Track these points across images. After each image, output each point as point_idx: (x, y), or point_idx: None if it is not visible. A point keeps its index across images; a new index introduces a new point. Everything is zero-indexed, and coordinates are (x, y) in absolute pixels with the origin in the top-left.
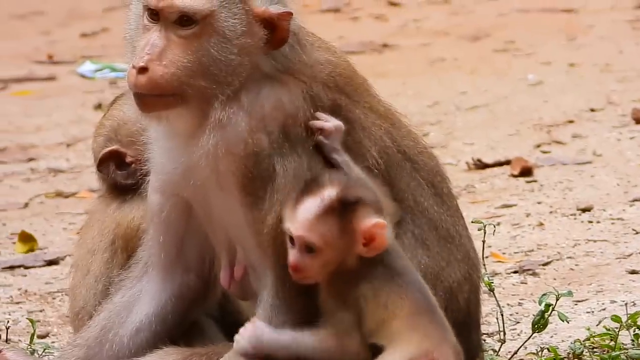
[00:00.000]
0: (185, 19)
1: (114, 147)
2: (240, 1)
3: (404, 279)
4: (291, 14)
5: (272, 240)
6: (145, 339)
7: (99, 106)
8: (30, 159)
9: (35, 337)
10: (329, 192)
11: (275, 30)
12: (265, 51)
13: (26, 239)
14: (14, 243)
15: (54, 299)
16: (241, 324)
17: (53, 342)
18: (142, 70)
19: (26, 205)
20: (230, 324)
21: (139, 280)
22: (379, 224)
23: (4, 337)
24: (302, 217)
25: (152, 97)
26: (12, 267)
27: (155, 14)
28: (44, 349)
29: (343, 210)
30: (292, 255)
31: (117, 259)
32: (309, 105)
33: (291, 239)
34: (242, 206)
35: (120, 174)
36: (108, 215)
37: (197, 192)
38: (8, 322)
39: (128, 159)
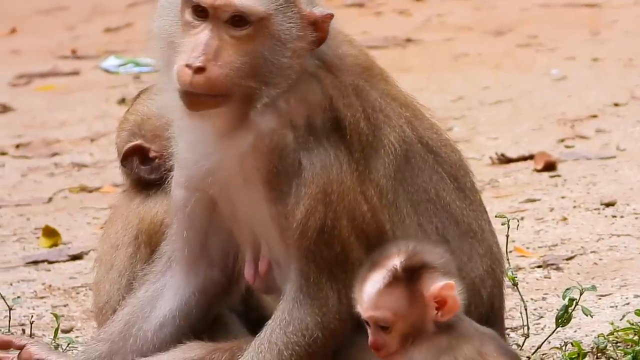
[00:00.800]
0: (237, 19)
1: (138, 142)
2: (293, 5)
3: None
4: (333, 15)
5: (299, 235)
6: (169, 334)
7: (122, 101)
8: (54, 154)
9: (59, 331)
10: (391, 264)
11: (317, 31)
12: (310, 52)
13: (50, 233)
14: (38, 238)
15: (78, 293)
16: (265, 319)
17: (77, 336)
18: (199, 70)
19: (50, 200)
20: (254, 319)
21: (162, 274)
22: (447, 285)
23: (28, 331)
24: (368, 296)
25: (205, 97)
26: (36, 262)
27: (201, 11)
28: (68, 344)
29: (408, 278)
30: (370, 334)
31: (141, 254)
32: (335, 96)
33: (365, 320)
34: (267, 201)
35: (144, 169)
36: (132, 210)
37: (222, 188)
38: (32, 316)
39: (152, 154)
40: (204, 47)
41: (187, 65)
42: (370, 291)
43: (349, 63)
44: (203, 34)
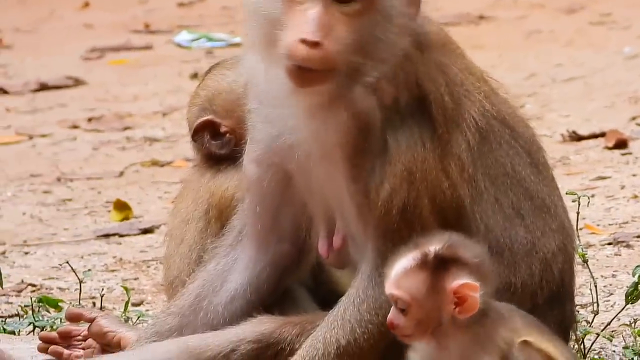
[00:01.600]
0: None
1: (209, 117)
2: None
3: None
4: None
5: (381, 215)
6: (240, 307)
7: (195, 75)
8: (127, 128)
9: (129, 304)
10: (426, 249)
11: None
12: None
13: (121, 207)
14: (109, 211)
15: (148, 267)
16: (335, 294)
17: (147, 310)
18: (315, 45)
19: (122, 173)
20: (324, 294)
21: (233, 248)
22: (470, 285)
23: (98, 304)
24: (394, 274)
25: (316, 73)
26: (107, 235)
27: None
28: (138, 317)
29: (436, 267)
30: (390, 312)
31: (211, 229)
32: (421, 72)
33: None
34: (348, 179)
35: (215, 144)
36: (202, 184)
37: (302, 163)
38: (103, 289)
39: (222, 129)
40: (317, 22)
41: (303, 40)
42: (397, 270)
43: (431, 39)
44: (314, 9)
